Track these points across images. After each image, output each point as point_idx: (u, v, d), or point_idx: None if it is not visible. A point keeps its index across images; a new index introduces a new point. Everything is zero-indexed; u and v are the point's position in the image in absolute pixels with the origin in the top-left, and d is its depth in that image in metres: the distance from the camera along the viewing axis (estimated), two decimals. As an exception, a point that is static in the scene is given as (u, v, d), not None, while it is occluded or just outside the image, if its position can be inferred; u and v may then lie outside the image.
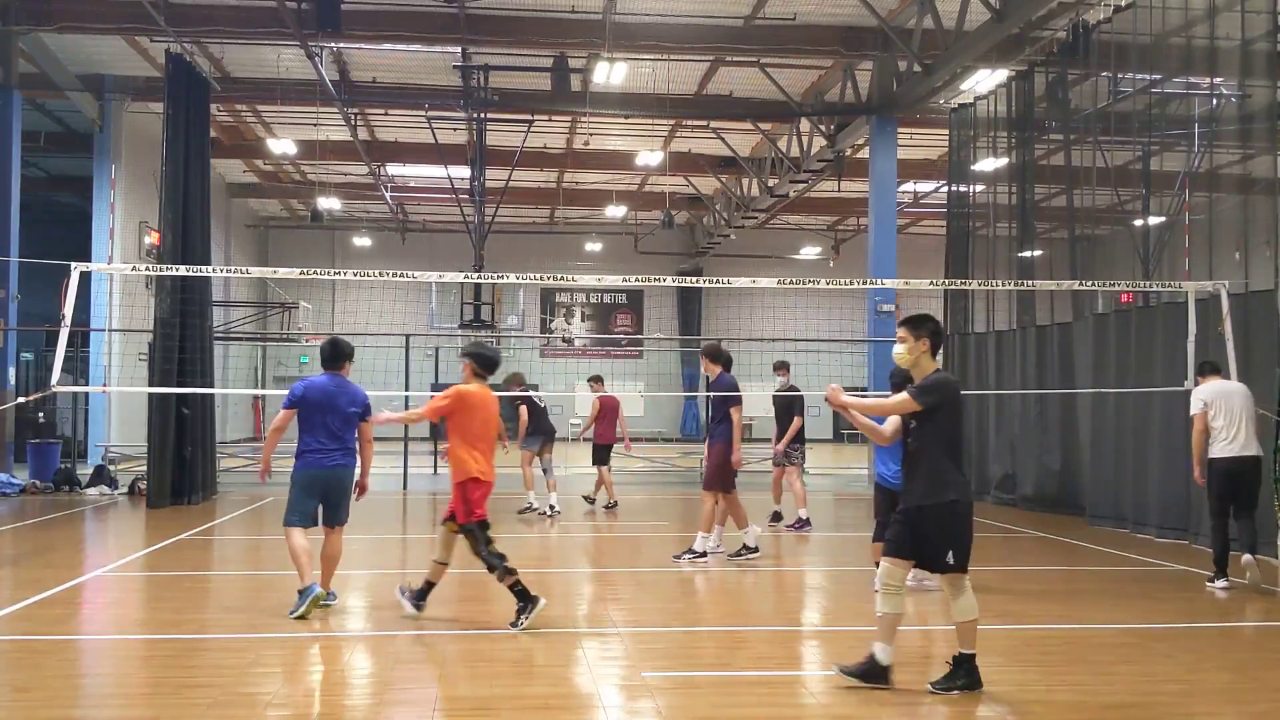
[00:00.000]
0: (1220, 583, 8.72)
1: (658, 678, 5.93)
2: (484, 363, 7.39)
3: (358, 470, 7.74)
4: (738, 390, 9.96)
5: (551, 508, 13.52)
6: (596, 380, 14.74)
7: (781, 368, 12.89)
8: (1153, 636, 7.08)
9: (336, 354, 7.65)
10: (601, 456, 14.62)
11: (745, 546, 10.10)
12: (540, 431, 13.80)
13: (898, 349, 5.87)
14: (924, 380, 5.72)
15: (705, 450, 10.35)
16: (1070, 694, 5.72)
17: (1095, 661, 6.37)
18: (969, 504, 5.72)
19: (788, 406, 12.41)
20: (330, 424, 7.48)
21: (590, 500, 14.93)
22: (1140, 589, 8.90)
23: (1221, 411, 8.83)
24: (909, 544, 5.65)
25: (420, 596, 7.38)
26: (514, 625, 6.98)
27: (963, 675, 5.63)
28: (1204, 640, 7.12)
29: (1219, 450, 8.81)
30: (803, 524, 12.36)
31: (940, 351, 6.00)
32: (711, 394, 10.15)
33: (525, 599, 7.04)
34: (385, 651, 6.61)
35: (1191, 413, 9.06)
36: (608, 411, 14.49)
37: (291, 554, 7.37)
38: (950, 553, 5.57)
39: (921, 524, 5.62)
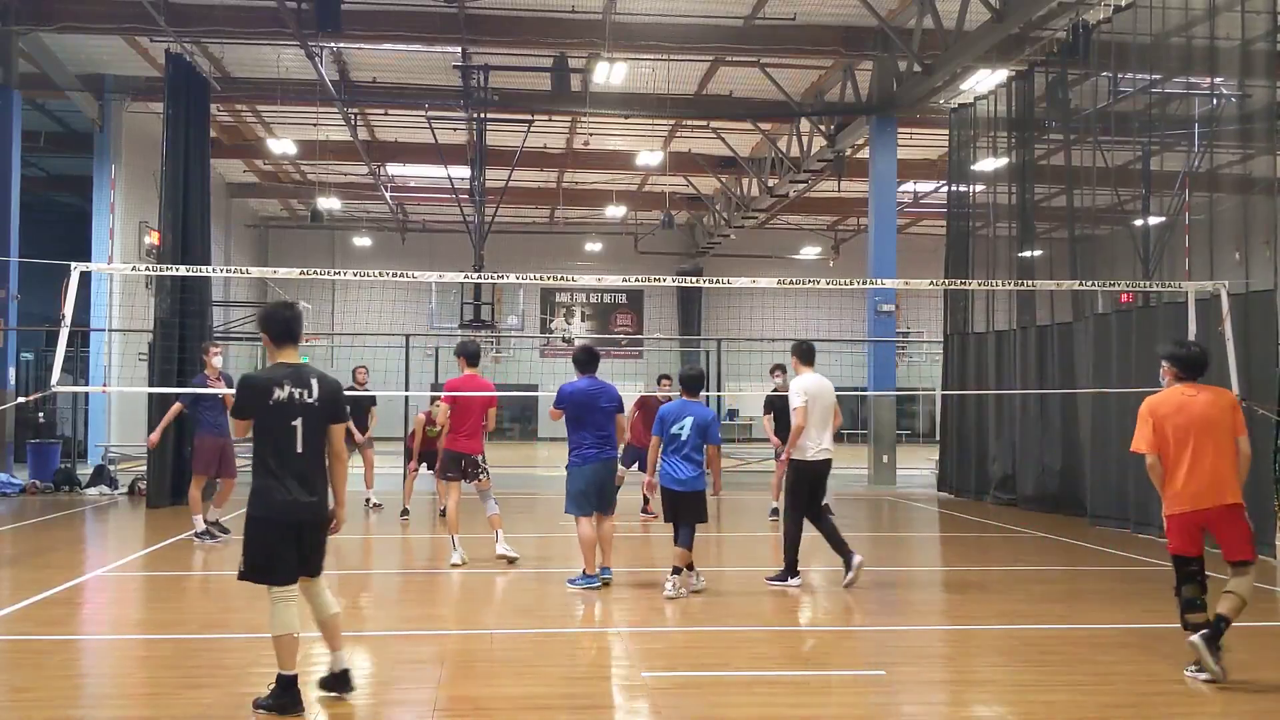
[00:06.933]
0: (794, 581, 8.67)
1: (658, 678, 5.93)
2: None
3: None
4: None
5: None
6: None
7: (779, 370, 13.26)
8: (1153, 636, 7.06)
9: (589, 359, 8.76)
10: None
11: (218, 524, 11.11)
12: None
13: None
14: None
15: None
16: (1070, 694, 5.72)
17: (1095, 661, 6.37)
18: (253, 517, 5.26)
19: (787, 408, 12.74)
20: (595, 421, 8.47)
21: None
22: (1141, 589, 8.89)
23: (817, 408, 8.63)
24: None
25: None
26: None
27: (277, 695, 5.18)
28: (1204, 640, 7.10)
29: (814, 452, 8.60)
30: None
31: None
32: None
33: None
34: (385, 651, 6.61)
35: (793, 406, 8.68)
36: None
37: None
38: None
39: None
